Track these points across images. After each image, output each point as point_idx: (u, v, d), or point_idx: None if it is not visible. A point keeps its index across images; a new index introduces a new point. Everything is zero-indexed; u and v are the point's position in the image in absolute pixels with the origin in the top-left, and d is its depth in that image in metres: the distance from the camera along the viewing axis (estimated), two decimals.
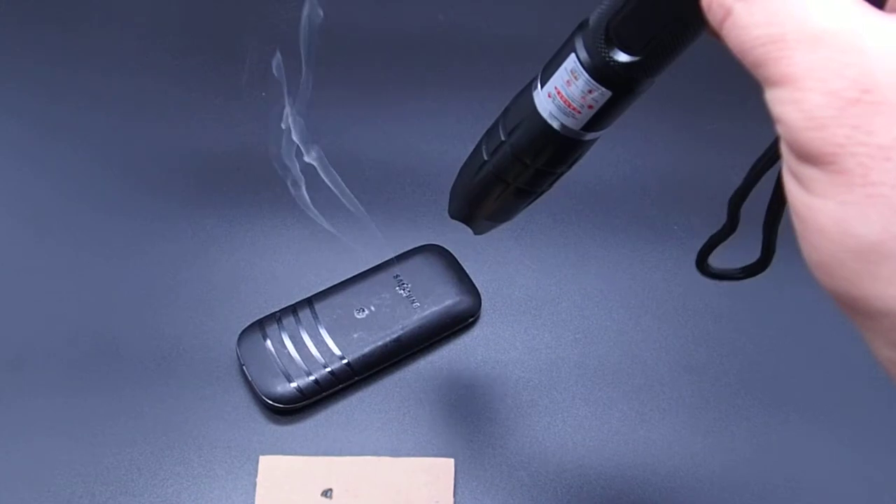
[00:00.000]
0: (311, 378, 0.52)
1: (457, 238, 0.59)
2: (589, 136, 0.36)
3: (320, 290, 0.56)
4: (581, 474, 0.51)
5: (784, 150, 0.25)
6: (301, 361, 0.53)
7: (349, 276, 0.57)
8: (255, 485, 0.50)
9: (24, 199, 0.62)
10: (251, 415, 0.53)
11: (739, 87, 0.66)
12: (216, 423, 0.53)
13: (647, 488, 0.51)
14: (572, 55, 0.33)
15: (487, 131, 0.40)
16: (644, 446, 0.52)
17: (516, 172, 0.38)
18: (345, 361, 0.53)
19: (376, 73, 0.69)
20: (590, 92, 0.33)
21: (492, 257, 0.59)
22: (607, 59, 0.32)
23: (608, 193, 0.62)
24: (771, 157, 0.32)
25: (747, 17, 0.25)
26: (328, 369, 0.53)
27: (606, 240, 0.61)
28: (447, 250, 0.58)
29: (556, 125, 0.35)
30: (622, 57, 0.32)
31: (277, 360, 0.53)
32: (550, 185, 0.40)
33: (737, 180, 0.62)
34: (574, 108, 0.34)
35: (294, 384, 0.52)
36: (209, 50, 0.70)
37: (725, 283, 0.57)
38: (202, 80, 0.69)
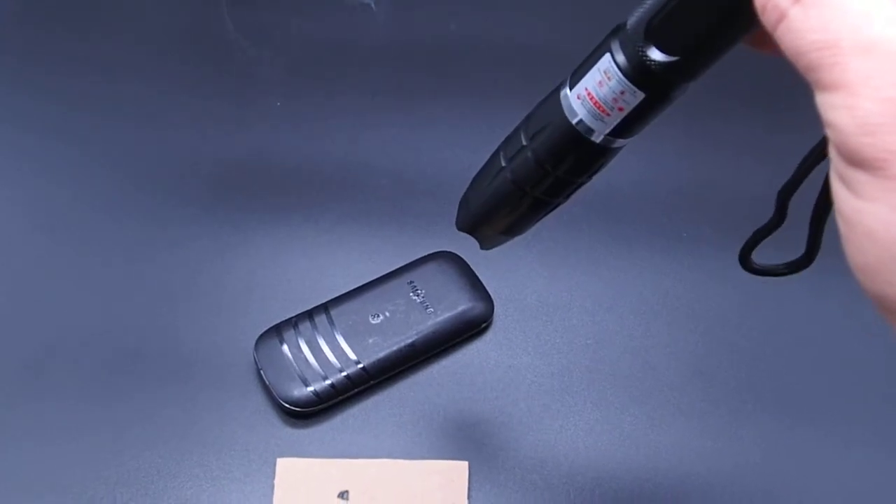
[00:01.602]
0: (328, 382, 0.53)
1: (469, 245, 0.59)
2: (615, 144, 0.35)
3: (336, 295, 0.57)
4: (593, 477, 0.52)
5: (832, 153, 0.26)
6: (317, 366, 0.54)
7: (364, 283, 0.58)
8: (272, 487, 0.51)
9: (42, 206, 0.63)
10: (268, 418, 0.54)
11: (750, 94, 0.68)
12: (234, 426, 0.54)
13: (658, 492, 0.52)
14: (607, 56, 0.33)
15: (507, 138, 0.39)
16: (655, 450, 0.53)
17: (535, 180, 0.37)
18: (360, 366, 0.54)
19: (389, 81, 0.70)
20: (622, 93, 0.33)
21: (504, 264, 0.60)
22: (644, 58, 0.32)
23: (619, 200, 0.63)
24: (820, 152, 0.32)
25: (802, 22, 0.25)
26: (344, 373, 0.53)
27: (617, 246, 0.61)
28: (460, 257, 0.59)
29: (583, 129, 0.35)
30: (660, 56, 0.31)
31: (294, 364, 0.54)
32: (567, 196, 0.39)
33: (747, 187, 0.63)
34: (604, 111, 0.34)
35: (310, 388, 0.53)
36: (221, 59, 0.71)
37: (738, 289, 0.59)
38: (215, 89, 0.70)
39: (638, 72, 0.32)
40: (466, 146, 0.66)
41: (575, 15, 0.74)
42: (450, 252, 0.59)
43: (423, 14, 0.74)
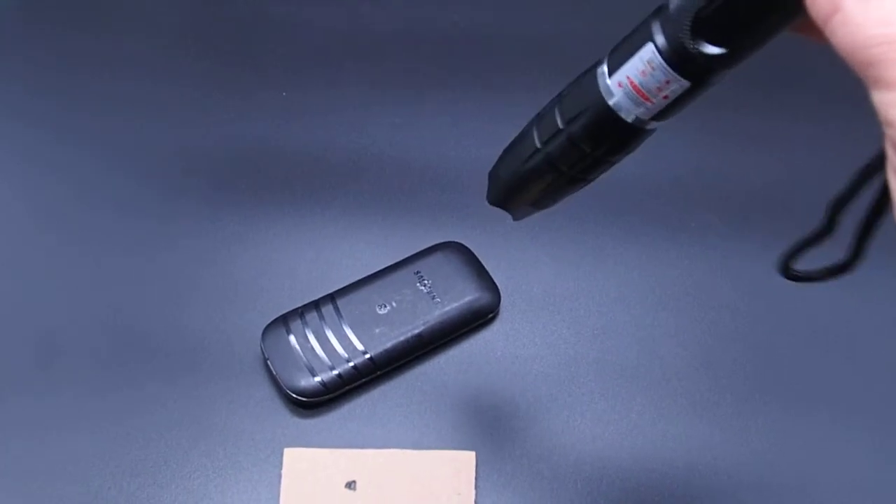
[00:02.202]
0: (335, 372, 0.53)
1: (476, 235, 0.60)
2: (652, 126, 0.35)
3: (342, 286, 0.57)
4: (600, 467, 0.52)
5: (890, 150, 0.25)
6: (324, 356, 0.54)
7: (370, 273, 0.58)
8: (279, 477, 0.51)
9: (49, 199, 0.63)
10: (275, 408, 0.54)
11: (758, 83, 0.67)
12: (241, 416, 0.54)
13: (665, 482, 0.52)
14: (650, 45, 0.32)
15: (539, 118, 0.39)
16: (662, 440, 0.53)
17: (573, 161, 0.37)
18: (367, 356, 0.54)
19: (395, 71, 0.70)
20: (667, 83, 0.33)
21: (511, 254, 0.60)
22: (692, 50, 0.31)
23: (626, 190, 0.63)
24: (877, 163, 0.31)
25: (861, 15, 0.24)
26: (351, 364, 0.53)
27: (624, 236, 0.61)
28: (467, 247, 0.59)
29: (623, 114, 0.34)
30: (709, 49, 0.31)
31: (301, 354, 0.54)
32: (604, 172, 0.39)
33: (755, 177, 0.63)
34: (647, 99, 0.33)
35: (317, 378, 0.53)
36: (226, 51, 0.71)
37: (746, 279, 0.58)
38: (221, 81, 0.70)
39: (684, 62, 0.32)
40: (473, 136, 0.66)
41: (580, 5, 0.73)
42: (457, 242, 0.59)
43: (429, 4, 0.74)
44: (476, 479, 0.51)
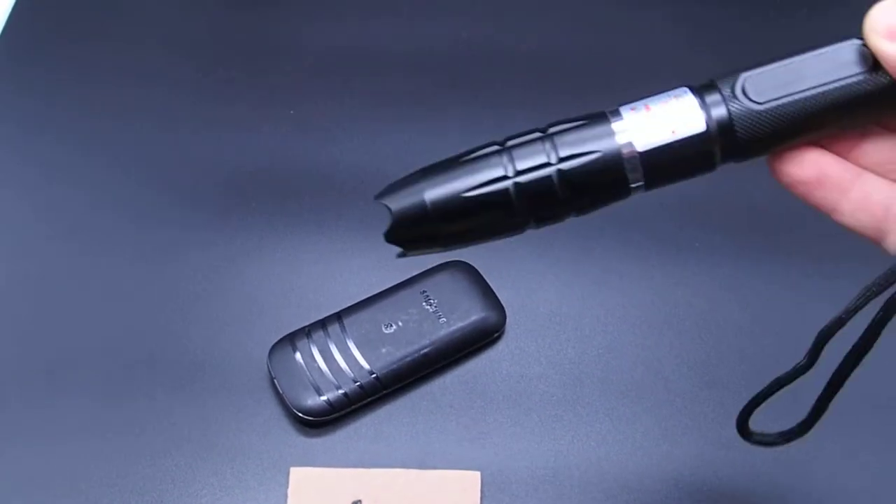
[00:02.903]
0: (341, 391, 0.53)
1: (482, 254, 0.60)
2: (635, 184, 0.35)
3: (349, 304, 0.57)
4: (605, 488, 0.52)
5: None
6: (330, 375, 0.54)
7: (376, 292, 0.58)
8: (286, 496, 0.51)
9: (54, 213, 0.64)
10: (282, 427, 0.54)
11: None
12: (247, 434, 0.54)
13: (671, 503, 0.52)
14: (690, 95, 0.34)
15: (513, 147, 0.34)
16: (667, 461, 0.53)
17: (541, 201, 0.34)
18: (373, 375, 0.54)
19: (402, 88, 0.70)
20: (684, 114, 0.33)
21: (516, 274, 0.60)
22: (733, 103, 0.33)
23: (630, 209, 0.62)
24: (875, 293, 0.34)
25: None
26: (357, 383, 0.54)
27: (628, 255, 0.62)
28: (473, 267, 0.59)
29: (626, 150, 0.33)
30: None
31: (307, 373, 0.54)
32: (553, 223, 0.36)
33: (759, 196, 0.63)
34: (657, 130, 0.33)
35: (324, 397, 0.53)
36: (233, 65, 0.72)
37: (750, 298, 0.59)
38: (228, 95, 0.70)
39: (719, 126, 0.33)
40: None
41: (587, 23, 0.74)
42: (462, 262, 0.59)
43: (435, 22, 0.75)
44: (481, 499, 0.51)
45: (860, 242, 0.59)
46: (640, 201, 0.62)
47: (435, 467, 0.52)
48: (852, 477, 0.53)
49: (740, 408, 0.55)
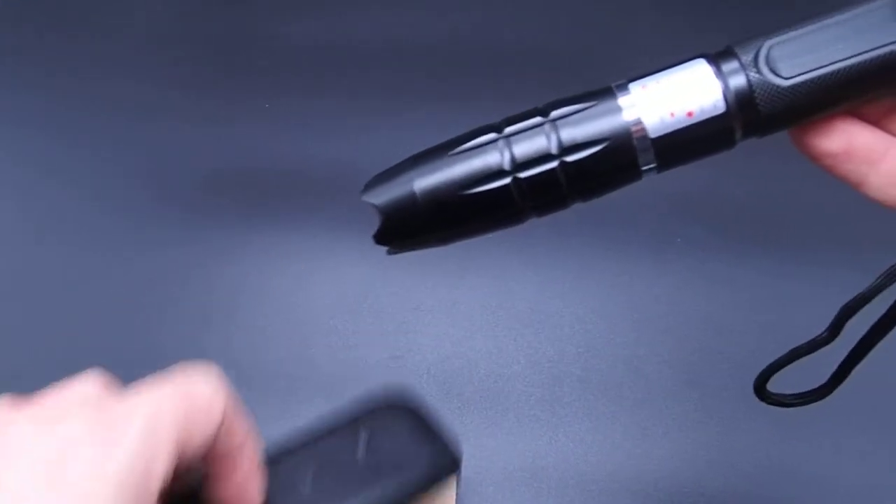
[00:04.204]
0: None
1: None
2: (652, 166, 0.31)
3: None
4: (583, 490, 0.51)
5: None
6: None
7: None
8: None
9: (27, 206, 0.62)
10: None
11: None
12: None
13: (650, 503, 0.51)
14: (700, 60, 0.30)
15: (509, 136, 0.31)
16: (647, 461, 0.52)
17: (547, 194, 0.31)
18: None
19: (380, 82, 0.70)
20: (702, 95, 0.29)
21: (490, 270, 0.59)
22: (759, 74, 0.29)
23: (611, 205, 0.61)
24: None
25: None
26: None
27: (609, 252, 0.61)
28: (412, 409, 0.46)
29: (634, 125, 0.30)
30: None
31: None
32: (549, 213, 0.33)
33: (741, 190, 0.62)
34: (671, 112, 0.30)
35: None
36: (207, 58, 0.71)
37: (732, 294, 0.58)
38: (201, 89, 0.69)
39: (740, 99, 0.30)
40: None
41: (570, 14, 0.73)
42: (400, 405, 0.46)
43: (414, 14, 0.73)
44: (457, 501, 0.50)
45: (845, 239, 0.58)
46: (620, 196, 0.62)
47: None
48: (834, 478, 0.52)
49: (721, 407, 0.55)
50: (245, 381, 0.54)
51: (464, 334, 0.57)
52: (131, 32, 0.73)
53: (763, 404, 0.54)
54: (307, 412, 0.54)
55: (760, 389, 0.38)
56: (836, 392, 0.55)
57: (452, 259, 0.59)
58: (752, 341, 0.57)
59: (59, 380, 0.55)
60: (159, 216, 0.62)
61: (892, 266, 0.32)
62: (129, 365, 0.55)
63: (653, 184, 0.66)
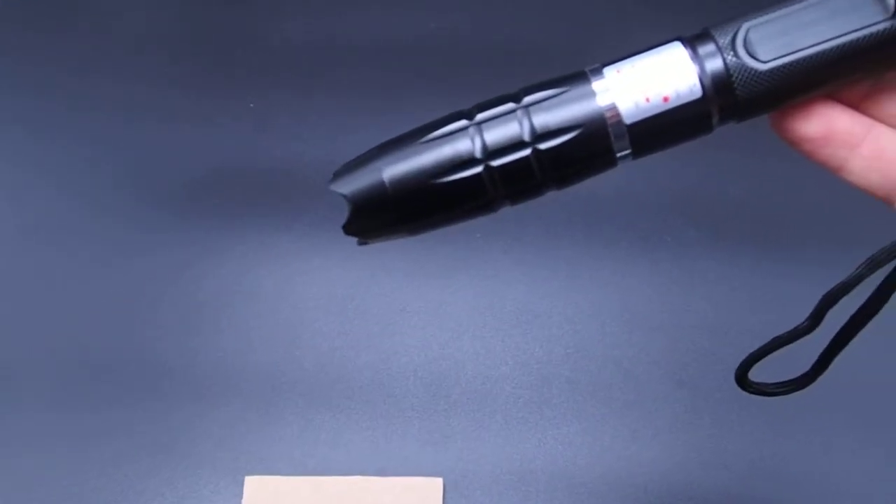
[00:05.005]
0: None
1: (453, 234, 0.58)
2: (627, 153, 0.30)
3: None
4: (572, 493, 0.51)
5: None
6: None
7: None
8: None
9: (10, 216, 0.62)
10: (237, 433, 0.52)
11: None
12: (201, 441, 0.52)
13: None
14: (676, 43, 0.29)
15: (485, 120, 0.30)
16: (636, 464, 0.52)
17: (517, 182, 0.30)
18: None
19: (367, 81, 0.69)
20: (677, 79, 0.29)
21: (478, 271, 0.58)
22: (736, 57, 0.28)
23: (600, 205, 0.61)
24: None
25: None
26: None
27: (598, 252, 0.60)
28: None
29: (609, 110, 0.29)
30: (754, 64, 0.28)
31: None
32: (522, 202, 0.32)
33: (730, 189, 0.62)
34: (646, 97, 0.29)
35: None
36: (192, 57, 0.70)
37: (722, 295, 0.57)
38: (186, 88, 0.68)
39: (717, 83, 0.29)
40: None
41: (556, 12, 0.72)
42: None
43: (403, 13, 0.73)
44: None
45: (834, 237, 0.58)
46: (610, 194, 0.61)
47: (396, 474, 0.51)
48: (825, 478, 0.52)
49: (713, 408, 0.54)
50: (231, 382, 0.54)
51: (451, 336, 0.56)
52: (118, 34, 0.72)
53: (755, 406, 0.54)
54: (293, 414, 0.53)
55: (742, 379, 0.37)
56: (827, 392, 0.54)
57: (440, 260, 0.58)
58: (744, 342, 0.55)
59: (45, 381, 0.54)
60: (145, 217, 0.61)
61: (873, 255, 0.31)
62: (116, 367, 0.55)
63: (642, 183, 0.66)
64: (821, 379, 0.54)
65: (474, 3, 0.73)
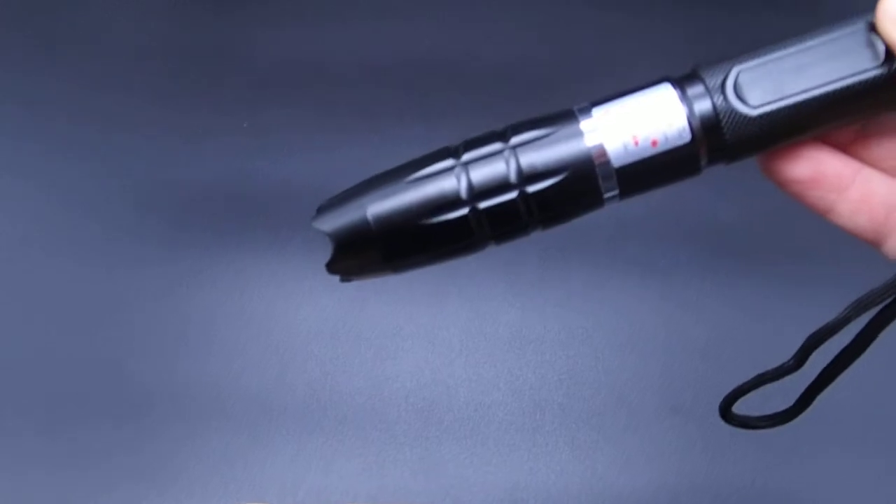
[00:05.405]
0: None
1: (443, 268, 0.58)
2: (610, 195, 0.30)
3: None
4: None
5: None
6: None
7: None
8: None
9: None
10: (230, 459, 0.52)
11: None
12: (190, 468, 0.52)
13: None
14: (665, 84, 0.29)
15: (466, 164, 0.30)
16: (630, 491, 0.51)
17: (507, 224, 0.30)
18: None
19: (359, 101, 0.69)
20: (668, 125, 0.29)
21: (471, 295, 0.58)
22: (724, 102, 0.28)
23: (592, 229, 0.61)
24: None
25: None
26: None
27: (591, 276, 0.60)
28: None
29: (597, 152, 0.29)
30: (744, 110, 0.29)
31: None
32: (497, 244, 0.32)
33: (724, 214, 0.62)
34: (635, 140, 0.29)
35: None
36: (185, 76, 0.70)
37: (715, 320, 0.57)
38: (179, 107, 0.68)
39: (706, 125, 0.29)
40: None
41: (547, 33, 0.72)
42: None
43: (393, 32, 0.73)
44: None
45: (827, 264, 0.58)
46: (602, 218, 0.61)
47: (388, 501, 0.50)
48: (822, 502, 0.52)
49: (705, 435, 0.54)
50: (221, 407, 0.53)
51: (443, 361, 0.56)
52: (110, 51, 0.72)
53: (748, 433, 0.54)
54: (284, 441, 0.53)
55: (725, 412, 0.37)
56: (819, 420, 0.54)
57: (432, 284, 0.58)
58: (738, 367, 0.56)
59: (27, 403, 0.54)
60: (134, 237, 0.61)
61: (859, 299, 0.31)
62: (101, 389, 0.54)
63: (634, 207, 0.65)
64: (814, 407, 0.54)
65: (470, 23, 0.73)
